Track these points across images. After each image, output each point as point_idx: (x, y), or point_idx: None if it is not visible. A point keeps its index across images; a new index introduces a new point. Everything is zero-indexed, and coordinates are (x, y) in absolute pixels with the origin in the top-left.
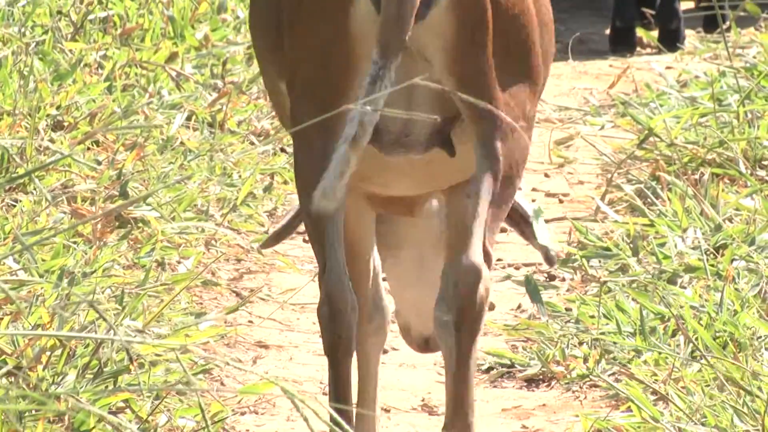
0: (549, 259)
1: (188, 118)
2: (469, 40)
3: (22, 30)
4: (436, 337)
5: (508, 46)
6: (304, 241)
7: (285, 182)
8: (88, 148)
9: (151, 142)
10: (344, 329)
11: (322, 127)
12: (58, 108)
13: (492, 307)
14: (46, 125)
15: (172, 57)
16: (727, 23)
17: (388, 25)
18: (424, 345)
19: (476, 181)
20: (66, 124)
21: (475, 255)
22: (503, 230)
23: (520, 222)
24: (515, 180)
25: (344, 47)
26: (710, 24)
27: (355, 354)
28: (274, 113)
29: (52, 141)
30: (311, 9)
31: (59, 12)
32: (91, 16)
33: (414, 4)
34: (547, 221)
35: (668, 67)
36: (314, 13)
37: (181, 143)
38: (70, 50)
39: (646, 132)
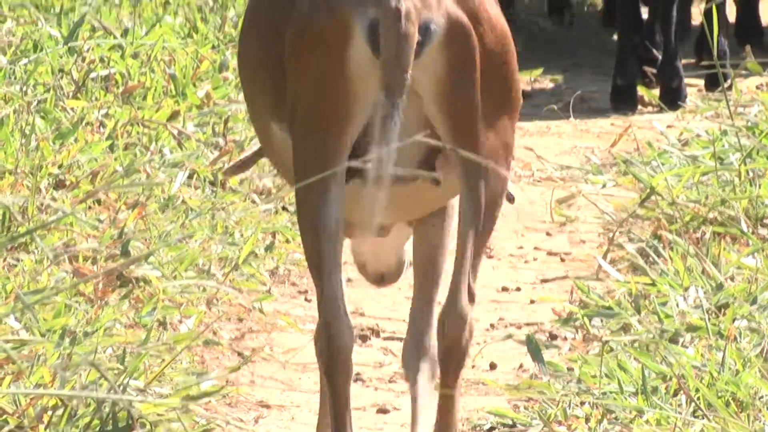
0: (509, 198)
1: (190, 177)
2: (459, 76)
3: (24, 88)
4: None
5: (492, 81)
6: (306, 300)
7: (287, 241)
8: (90, 207)
9: (153, 201)
10: (340, 349)
11: (322, 163)
12: (59, 167)
13: (493, 367)
14: (48, 184)
15: (173, 115)
16: (729, 81)
17: (390, 66)
18: (380, 280)
19: (464, 225)
20: (68, 182)
21: (463, 303)
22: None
23: None
24: (496, 211)
25: (343, 88)
26: (712, 82)
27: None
28: (276, 172)
29: (53, 199)
30: (310, 52)
31: (61, 70)
32: (92, 75)
33: (413, 45)
34: (548, 280)
35: (669, 126)
36: (313, 56)
37: (183, 202)
38: (72, 108)
39: (648, 190)
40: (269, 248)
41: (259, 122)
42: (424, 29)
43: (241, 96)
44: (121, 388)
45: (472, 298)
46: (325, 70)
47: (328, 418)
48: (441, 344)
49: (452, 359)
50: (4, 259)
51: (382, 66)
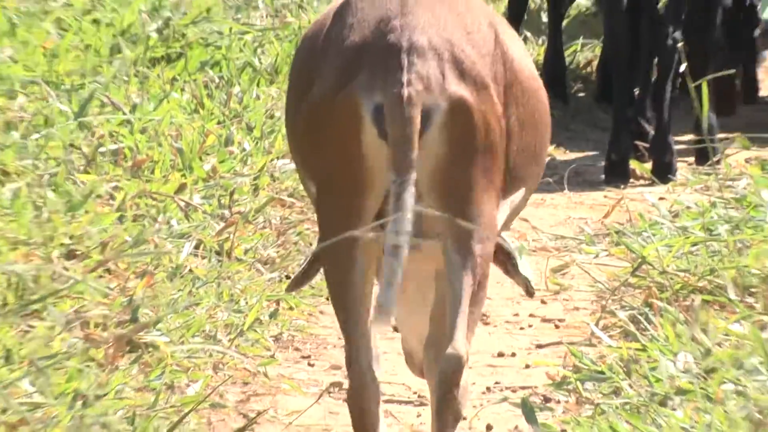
0: (528, 290)
1: (196, 247)
2: (458, 156)
3: (36, 162)
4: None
5: (486, 158)
6: (309, 364)
7: (290, 308)
8: (100, 276)
9: (161, 270)
10: (370, 394)
11: (343, 226)
12: (70, 237)
13: (490, 428)
14: (59, 254)
15: (181, 188)
16: (718, 156)
17: (397, 147)
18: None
19: (457, 283)
20: (78, 252)
21: (461, 345)
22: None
23: (505, 261)
24: (486, 282)
25: (357, 166)
26: (702, 157)
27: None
28: (279, 242)
29: (65, 269)
30: (328, 135)
31: (71, 145)
32: (102, 149)
33: (416, 128)
34: (543, 346)
35: (661, 198)
36: (331, 138)
37: (190, 271)
38: (82, 182)
39: (640, 260)
40: (273, 315)
41: (303, 183)
42: (427, 111)
43: (245, 169)
44: None
45: (465, 356)
46: (342, 151)
47: None
48: (438, 383)
49: (447, 416)
50: (18, 326)
51: (390, 147)
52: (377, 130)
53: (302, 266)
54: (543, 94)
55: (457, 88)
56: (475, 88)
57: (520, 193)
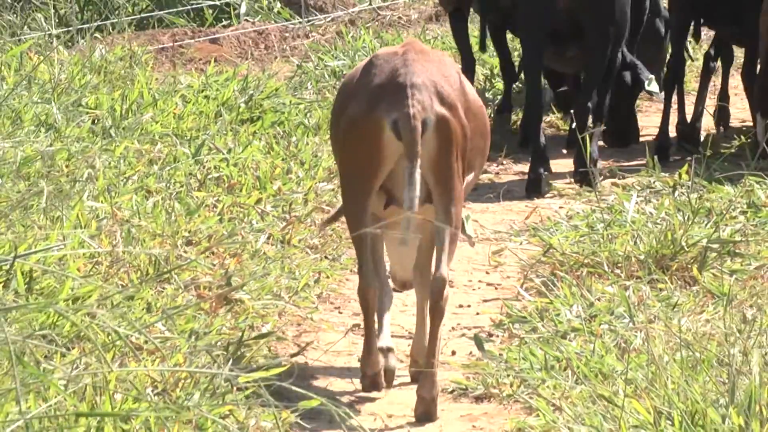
0: (470, 242)
1: (268, 238)
2: (444, 149)
3: (168, 184)
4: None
5: (458, 154)
6: (339, 312)
7: (327, 277)
8: (207, 256)
9: (245, 253)
10: (370, 298)
11: (362, 198)
12: (189, 232)
13: (454, 353)
14: (182, 242)
15: (258, 201)
16: (598, 180)
17: (409, 144)
18: (402, 286)
19: (442, 233)
20: (194, 241)
21: (444, 271)
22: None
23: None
24: (459, 228)
25: (376, 157)
26: (585, 180)
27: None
28: (320, 235)
29: (185, 252)
30: (360, 138)
31: (190, 174)
32: (209, 176)
33: (420, 132)
34: (487, 301)
35: (561, 207)
36: (362, 139)
37: (264, 253)
38: (197, 197)
39: (548, 246)
40: (317, 281)
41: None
42: (424, 122)
43: (299, 188)
44: (225, 366)
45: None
46: (368, 145)
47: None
48: (431, 295)
49: (437, 305)
50: (155, 288)
51: (405, 146)
52: (395, 134)
53: (332, 214)
54: (486, 115)
55: (440, 108)
56: (449, 109)
57: (471, 176)
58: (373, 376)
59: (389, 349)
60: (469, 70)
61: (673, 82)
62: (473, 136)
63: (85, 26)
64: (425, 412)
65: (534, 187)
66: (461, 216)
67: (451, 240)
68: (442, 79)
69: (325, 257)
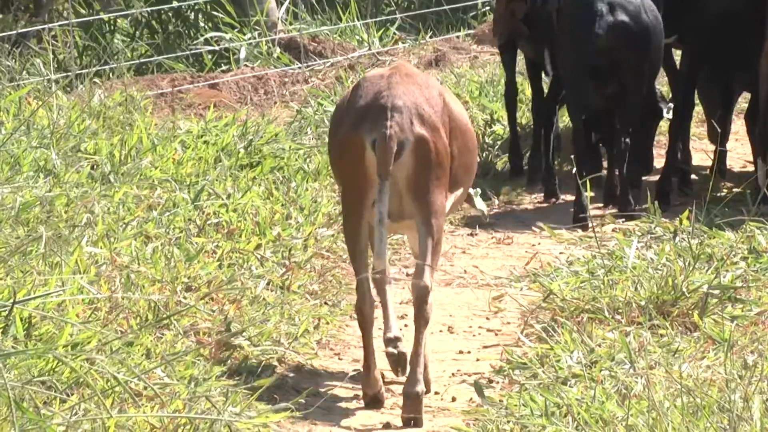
0: (483, 216)
1: (267, 284)
2: (422, 168)
3: (167, 230)
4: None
5: (438, 171)
6: (339, 359)
7: (327, 323)
8: (207, 302)
9: (245, 298)
10: (367, 313)
11: (355, 212)
12: (188, 277)
13: (454, 399)
14: (181, 288)
15: (258, 246)
16: (596, 225)
17: (381, 164)
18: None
19: (425, 244)
20: (193, 286)
21: (427, 280)
22: None
23: (469, 199)
24: (440, 241)
25: (362, 173)
26: (585, 226)
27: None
28: (320, 280)
29: (184, 297)
30: (348, 156)
31: (189, 219)
32: (209, 222)
33: (392, 153)
34: (488, 346)
35: (561, 252)
36: (350, 158)
37: (263, 299)
38: (196, 242)
39: (548, 292)
40: (316, 327)
41: (337, 182)
42: (401, 144)
43: (299, 234)
44: (225, 413)
45: (431, 272)
46: (353, 164)
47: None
48: (414, 302)
49: (421, 311)
50: (154, 334)
51: (378, 164)
52: (374, 152)
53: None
54: (473, 134)
55: (419, 129)
56: (429, 130)
57: (459, 191)
58: (373, 396)
59: (397, 339)
60: (511, 101)
61: (678, 127)
62: (459, 154)
63: (84, 71)
64: (412, 410)
65: (581, 220)
66: (442, 228)
67: (434, 251)
68: (423, 102)
69: (325, 303)
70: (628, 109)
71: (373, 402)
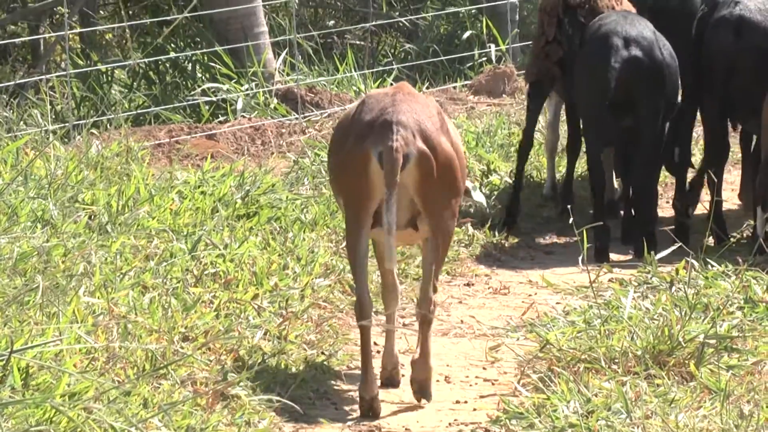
0: (483, 211)
1: (265, 334)
2: (426, 179)
3: (164, 280)
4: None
5: (444, 181)
6: (336, 408)
7: (323, 372)
8: (204, 352)
9: (242, 348)
10: (365, 313)
11: (357, 223)
12: (185, 327)
13: None
14: (178, 338)
15: (255, 296)
16: (594, 277)
17: (388, 174)
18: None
19: (430, 253)
20: (190, 336)
21: (431, 293)
22: None
23: (466, 192)
24: (447, 249)
25: (366, 185)
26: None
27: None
28: (317, 330)
29: (181, 347)
30: (353, 168)
31: (186, 269)
32: (206, 272)
33: (399, 164)
34: (484, 396)
35: (558, 303)
36: (355, 170)
37: (260, 348)
38: (193, 293)
39: (545, 342)
40: (313, 377)
41: (336, 199)
42: (406, 156)
43: (296, 284)
44: None
45: (435, 289)
46: (357, 176)
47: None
48: (418, 315)
49: (425, 323)
50: (151, 384)
51: (384, 175)
52: (379, 165)
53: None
54: (462, 152)
55: (421, 144)
56: (430, 145)
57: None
58: (370, 401)
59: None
60: (523, 151)
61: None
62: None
63: (81, 122)
64: (420, 388)
65: (602, 255)
66: (451, 235)
67: (442, 258)
68: (425, 119)
69: (322, 353)
70: (643, 145)
71: (370, 409)
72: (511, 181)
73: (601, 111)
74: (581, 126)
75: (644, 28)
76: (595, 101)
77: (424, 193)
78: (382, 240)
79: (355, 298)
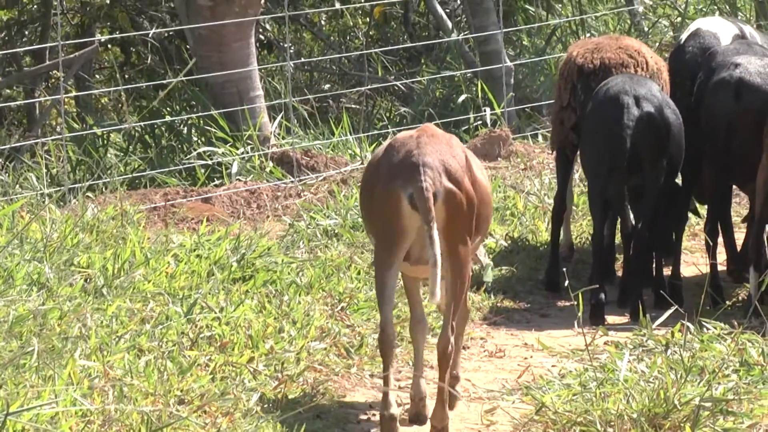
0: (487, 284)
1: (260, 397)
2: (451, 217)
3: (160, 343)
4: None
5: (467, 219)
6: None
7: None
8: (200, 415)
9: (238, 411)
10: (388, 343)
11: (386, 261)
12: (181, 390)
13: None
14: (174, 401)
15: (251, 360)
16: (590, 340)
17: (424, 212)
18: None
19: (450, 296)
20: (186, 400)
21: (449, 332)
22: None
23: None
24: (465, 288)
25: (398, 224)
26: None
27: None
28: (313, 394)
29: (177, 410)
30: (385, 209)
31: (182, 332)
32: (201, 335)
33: (431, 202)
34: None
35: (553, 365)
36: (387, 211)
37: (257, 412)
38: (189, 356)
39: (540, 405)
40: None
41: (369, 236)
42: (435, 195)
43: (291, 347)
44: None
45: (452, 330)
46: (391, 215)
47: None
48: (437, 353)
49: (444, 360)
50: None
51: (421, 213)
52: (410, 205)
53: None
54: (489, 188)
55: (447, 183)
56: (455, 184)
57: (477, 239)
58: (389, 417)
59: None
60: (556, 215)
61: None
62: (480, 205)
63: (77, 185)
64: None
65: (597, 314)
66: (469, 274)
67: (459, 295)
68: (450, 158)
69: (317, 416)
70: (644, 205)
71: (388, 427)
72: (507, 244)
73: (612, 170)
74: (588, 189)
75: (652, 86)
76: (607, 160)
77: (449, 231)
78: (409, 274)
79: (378, 331)
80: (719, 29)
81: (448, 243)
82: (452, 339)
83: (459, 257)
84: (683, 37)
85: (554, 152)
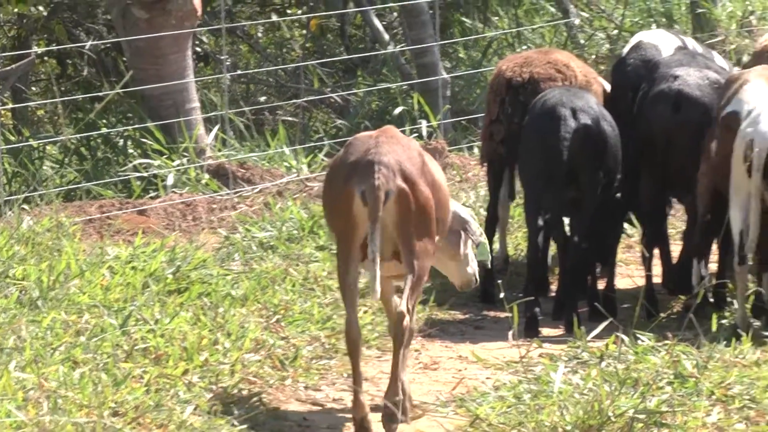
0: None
1: (195, 409)
2: (404, 215)
3: (95, 355)
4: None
5: (421, 219)
6: None
7: None
8: (134, 427)
9: (172, 423)
10: (351, 343)
11: (345, 254)
12: (115, 402)
13: None
14: (108, 413)
15: (185, 372)
16: (524, 352)
17: (371, 209)
18: (461, 288)
19: (407, 280)
20: (120, 411)
21: (403, 307)
22: None
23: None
24: (420, 284)
25: (351, 220)
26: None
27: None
28: (248, 404)
29: (111, 422)
30: (340, 207)
31: (117, 344)
32: (136, 347)
33: (381, 201)
34: None
35: (488, 378)
36: (341, 208)
37: (191, 424)
38: (123, 367)
39: (475, 416)
40: None
41: (330, 234)
42: (386, 193)
43: (226, 359)
44: None
45: (410, 312)
46: (343, 213)
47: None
48: (393, 330)
49: (398, 336)
50: None
51: (368, 210)
52: (362, 202)
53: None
54: (446, 191)
55: (401, 183)
56: (409, 184)
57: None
58: (361, 420)
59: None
60: (489, 227)
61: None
62: (437, 204)
63: (12, 197)
64: (387, 415)
65: (532, 327)
66: (426, 268)
67: (415, 285)
68: (405, 160)
69: (252, 428)
70: (581, 217)
71: (361, 429)
72: None
73: (549, 182)
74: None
75: (589, 99)
76: (544, 172)
77: (402, 228)
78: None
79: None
80: (661, 41)
81: (403, 240)
82: (411, 324)
83: (414, 253)
84: (625, 49)
85: (484, 165)
